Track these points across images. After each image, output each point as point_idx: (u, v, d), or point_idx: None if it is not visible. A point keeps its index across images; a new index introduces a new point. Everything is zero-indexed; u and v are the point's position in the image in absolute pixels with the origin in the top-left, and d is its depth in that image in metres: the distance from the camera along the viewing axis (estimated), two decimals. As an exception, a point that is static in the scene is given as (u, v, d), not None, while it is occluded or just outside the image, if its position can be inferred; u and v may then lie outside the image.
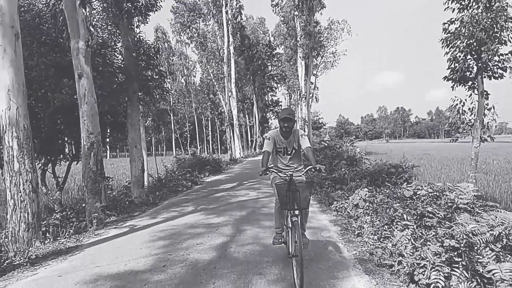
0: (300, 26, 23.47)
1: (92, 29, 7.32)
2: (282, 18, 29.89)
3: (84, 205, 7.56)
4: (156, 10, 9.90)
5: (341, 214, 7.07)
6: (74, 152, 9.82)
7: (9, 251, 4.84)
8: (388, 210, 5.74)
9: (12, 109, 5.15)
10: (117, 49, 10.35)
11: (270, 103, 57.81)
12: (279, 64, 46.39)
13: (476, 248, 3.63)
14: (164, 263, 4.49)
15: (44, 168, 9.40)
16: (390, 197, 6.36)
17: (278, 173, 4.00)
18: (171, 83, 50.83)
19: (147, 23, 10.03)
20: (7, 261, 4.55)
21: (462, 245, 3.64)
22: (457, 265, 3.54)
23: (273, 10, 28.45)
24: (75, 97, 7.53)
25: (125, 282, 3.92)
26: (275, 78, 51.24)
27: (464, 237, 3.69)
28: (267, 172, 3.81)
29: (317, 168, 3.78)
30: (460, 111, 8.27)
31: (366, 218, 6.10)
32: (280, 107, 58.06)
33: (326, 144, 18.85)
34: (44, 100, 7.98)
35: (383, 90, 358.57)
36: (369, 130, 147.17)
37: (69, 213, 7.17)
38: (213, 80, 39.61)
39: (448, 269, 3.52)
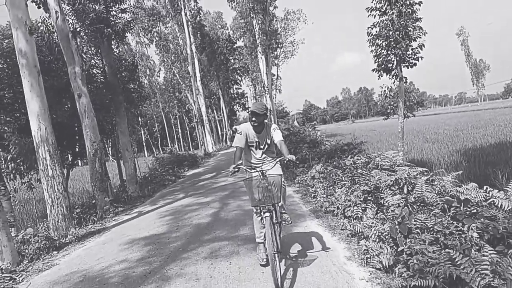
0: (258, 24, 24.93)
1: (84, 56, 8.80)
2: (240, 14, 30.75)
3: (93, 201, 9.11)
4: (131, 29, 11.35)
5: (302, 185, 9.08)
6: (70, 160, 11.26)
7: (54, 237, 6.42)
8: (333, 176, 7.78)
9: (42, 129, 6.66)
10: (99, 67, 11.68)
11: (236, 95, 58.93)
12: (241, 57, 47.68)
13: (380, 189, 5.67)
14: (176, 227, 6.30)
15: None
16: (336, 167, 8.41)
17: (249, 170, 3.87)
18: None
19: (124, 43, 11.46)
20: (57, 242, 6.15)
21: (372, 189, 5.68)
22: (369, 202, 5.57)
23: (229, 5, 28.77)
24: (76, 114, 8.97)
25: (154, 240, 5.70)
26: (238, 71, 52.38)
27: (374, 183, 5.72)
28: (237, 170, 3.64)
29: (288, 158, 3.64)
30: (388, 95, 10.46)
31: (319, 185, 8.10)
32: (246, 99, 59.47)
33: (290, 131, 21.01)
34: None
35: (346, 70, 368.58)
36: (335, 113, 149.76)
37: (81, 209, 8.73)
38: (179, 80, 40.68)
39: (364, 205, 5.55)
